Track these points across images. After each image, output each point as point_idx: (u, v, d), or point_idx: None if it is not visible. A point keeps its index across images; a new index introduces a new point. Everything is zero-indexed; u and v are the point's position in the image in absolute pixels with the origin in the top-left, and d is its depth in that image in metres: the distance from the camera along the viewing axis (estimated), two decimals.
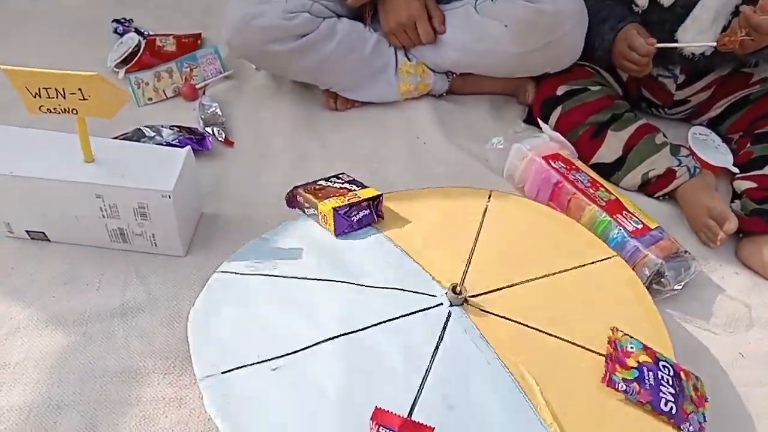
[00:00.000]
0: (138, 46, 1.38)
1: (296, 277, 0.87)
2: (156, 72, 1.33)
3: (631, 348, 0.81)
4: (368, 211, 0.95)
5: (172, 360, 0.90)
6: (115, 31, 1.46)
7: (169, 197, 0.94)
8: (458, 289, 0.83)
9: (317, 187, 1.00)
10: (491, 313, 0.84)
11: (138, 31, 1.43)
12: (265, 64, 1.29)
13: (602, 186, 1.12)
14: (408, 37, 1.28)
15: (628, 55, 1.17)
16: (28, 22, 1.49)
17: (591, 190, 1.10)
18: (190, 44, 1.42)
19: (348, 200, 0.94)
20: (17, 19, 1.50)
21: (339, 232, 0.93)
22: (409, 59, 1.31)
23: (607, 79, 1.28)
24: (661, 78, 1.27)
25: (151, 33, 1.42)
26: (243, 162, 1.23)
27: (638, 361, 0.80)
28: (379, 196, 0.96)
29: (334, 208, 0.92)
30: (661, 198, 1.19)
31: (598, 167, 1.19)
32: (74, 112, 0.86)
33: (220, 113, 1.28)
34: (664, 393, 0.77)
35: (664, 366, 0.81)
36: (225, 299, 0.85)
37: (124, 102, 0.87)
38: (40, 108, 0.85)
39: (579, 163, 1.16)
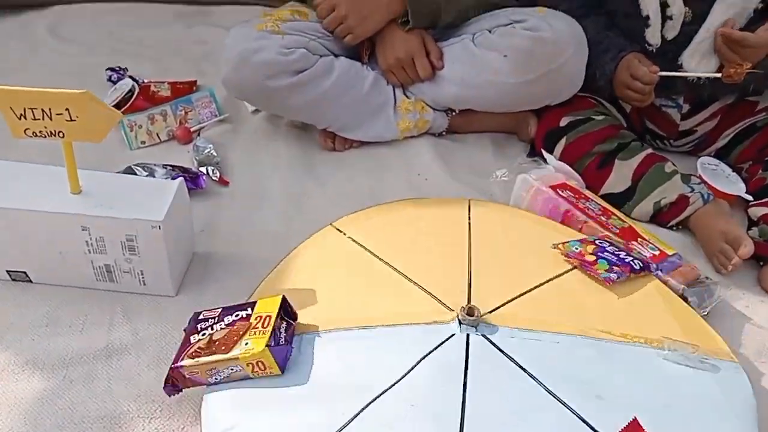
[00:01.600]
0: (131, 91, 1.36)
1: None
2: (150, 114, 1.31)
3: (577, 249, 0.90)
4: (287, 322, 0.78)
5: (159, 404, 0.83)
6: (109, 79, 1.44)
7: (159, 228, 0.89)
8: (472, 310, 0.77)
9: (200, 347, 0.76)
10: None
11: (132, 79, 1.41)
12: (261, 102, 1.27)
13: (614, 214, 1.08)
14: (406, 74, 1.26)
15: (630, 84, 1.16)
16: (24, 71, 1.49)
17: (603, 218, 1.05)
18: (185, 90, 1.40)
19: (263, 329, 0.74)
20: (14, 68, 1.50)
21: (283, 365, 0.74)
22: (407, 96, 1.29)
23: (610, 110, 1.26)
24: (665, 108, 1.25)
25: (145, 80, 1.41)
26: (238, 201, 1.18)
27: (591, 253, 0.89)
28: (284, 300, 0.78)
29: (267, 345, 0.72)
30: (674, 228, 1.14)
31: (607, 198, 1.14)
32: (61, 135, 0.82)
33: (215, 154, 1.24)
34: (625, 258, 0.89)
35: (600, 243, 0.92)
36: None
37: (114, 122, 0.83)
38: (25, 131, 0.81)
39: (588, 192, 1.12)
